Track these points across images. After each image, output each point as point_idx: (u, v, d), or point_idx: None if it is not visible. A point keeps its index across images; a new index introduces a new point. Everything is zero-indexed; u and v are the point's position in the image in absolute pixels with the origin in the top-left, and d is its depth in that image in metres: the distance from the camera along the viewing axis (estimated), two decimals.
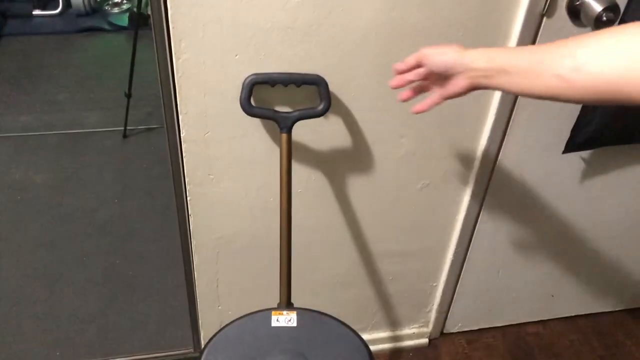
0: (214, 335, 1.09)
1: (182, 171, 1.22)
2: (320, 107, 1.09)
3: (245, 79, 1.06)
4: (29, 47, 3.22)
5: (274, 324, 1.09)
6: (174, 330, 1.73)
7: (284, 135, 1.08)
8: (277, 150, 1.21)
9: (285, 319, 1.09)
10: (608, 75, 0.61)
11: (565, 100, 0.68)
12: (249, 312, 1.54)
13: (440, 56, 0.83)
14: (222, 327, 1.11)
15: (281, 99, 1.13)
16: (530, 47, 0.74)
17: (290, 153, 1.10)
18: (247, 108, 1.07)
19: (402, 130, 1.25)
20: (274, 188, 1.28)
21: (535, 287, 1.70)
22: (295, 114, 1.09)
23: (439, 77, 0.85)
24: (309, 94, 1.13)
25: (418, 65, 0.87)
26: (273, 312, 1.11)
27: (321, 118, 1.18)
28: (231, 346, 1.07)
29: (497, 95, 1.22)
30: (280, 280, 1.16)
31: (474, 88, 0.80)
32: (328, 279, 1.51)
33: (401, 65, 0.88)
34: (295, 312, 1.11)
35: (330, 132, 1.22)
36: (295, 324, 1.09)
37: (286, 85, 1.06)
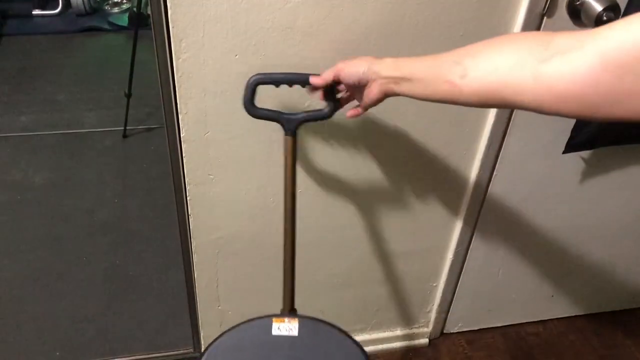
0: (212, 342, 1.07)
1: (182, 171, 1.22)
2: (327, 109, 1.03)
3: (249, 79, 1.01)
4: (28, 47, 3.22)
5: (274, 332, 1.06)
6: (174, 330, 1.73)
7: (289, 139, 1.03)
8: (277, 150, 1.21)
9: (286, 328, 1.06)
10: (489, 81, 0.66)
11: (459, 104, 0.72)
12: (249, 312, 1.54)
13: (353, 68, 0.87)
14: (220, 334, 1.09)
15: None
16: (431, 56, 0.77)
17: (295, 156, 1.05)
18: (251, 109, 1.02)
19: (402, 130, 1.24)
20: (274, 188, 1.28)
21: (535, 287, 1.70)
22: (301, 116, 1.03)
23: (359, 88, 0.90)
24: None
25: (336, 80, 0.92)
26: (274, 320, 1.07)
27: None
28: (230, 354, 1.05)
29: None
30: (284, 286, 1.12)
31: (386, 95, 0.85)
32: (328, 279, 1.51)
33: (317, 80, 0.94)
34: (297, 321, 1.07)
35: (330, 132, 1.22)
36: (296, 333, 1.06)
37: (291, 86, 1.02)
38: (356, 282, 1.54)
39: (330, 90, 1.00)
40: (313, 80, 0.95)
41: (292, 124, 1.03)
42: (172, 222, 1.39)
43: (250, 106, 1.02)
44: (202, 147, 1.18)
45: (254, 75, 1.00)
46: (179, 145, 1.17)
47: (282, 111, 1.05)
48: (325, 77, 0.93)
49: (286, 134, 1.03)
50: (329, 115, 1.03)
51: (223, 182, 1.25)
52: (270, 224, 1.35)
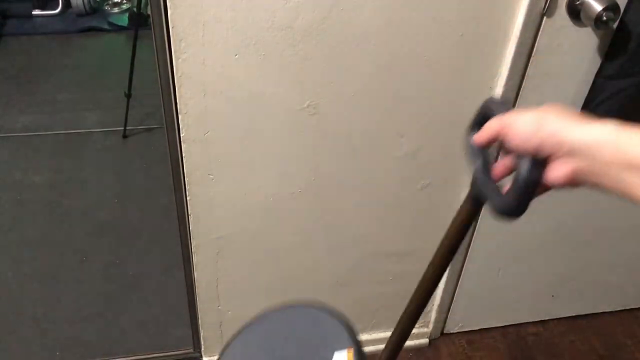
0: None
1: (182, 171, 1.22)
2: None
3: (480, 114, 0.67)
4: (28, 47, 3.22)
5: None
6: (174, 330, 1.73)
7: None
8: (277, 150, 1.21)
9: None
10: None
11: None
12: (249, 312, 1.54)
13: (522, 126, 0.54)
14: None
15: None
16: None
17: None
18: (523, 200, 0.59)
19: (402, 130, 1.24)
20: (274, 188, 1.28)
21: (535, 287, 1.70)
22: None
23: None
24: None
25: (495, 139, 0.60)
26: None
27: (321, 118, 1.18)
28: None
29: (497, 96, 1.22)
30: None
31: (577, 183, 0.55)
32: (328, 279, 1.51)
33: (481, 138, 0.63)
34: None
35: (330, 132, 1.21)
36: None
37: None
38: (356, 282, 1.54)
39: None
40: (477, 138, 0.64)
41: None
42: (172, 222, 1.39)
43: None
44: (202, 147, 1.18)
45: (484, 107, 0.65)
46: (179, 145, 1.17)
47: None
48: (489, 132, 0.61)
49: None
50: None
51: (223, 182, 1.25)
52: (270, 224, 1.35)
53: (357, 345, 0.86)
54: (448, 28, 1.10)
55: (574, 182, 0.54)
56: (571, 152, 0.51)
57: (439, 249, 0.88)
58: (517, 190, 0.56)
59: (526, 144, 0.53)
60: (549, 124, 0.52)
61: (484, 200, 0.68)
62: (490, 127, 0.60)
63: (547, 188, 0.59)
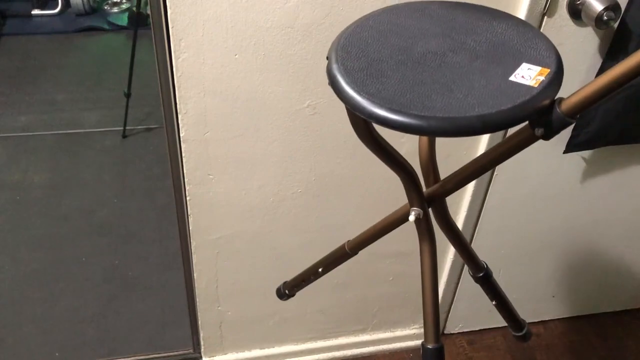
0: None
1: (182, 171, 1.22)
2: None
3: None
4: (28, 46, 3.21)
5: None
6: (173, 331, 1.72)
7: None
8: (277, 150, 1.21)
9: None
10: None
11: None
12: (249, 313, 1.54)
13: None
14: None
15: None
16: None
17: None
18: None
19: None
20: (274, 188, 1.28)
21: (536, 287, 1.70)
22: None
23: None
24: None
25: None
26: None
27: (321, 118, 1.18)
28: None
29: None
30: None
31: None
32: (328, 280, 1.51)
33: None
34: None
35: (330, 132, 1.21)
36: None
37: None
38: (356, 283, 1.53)
39: None
40: None
41: None
42: (171, 222, 1.39)
43: None
44: (202, 147, 1.17)
45: None
46: (178, 145, 1.17)
47: None
48: None
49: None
50: None
51: (223, 182, 1.24)
52: (270, 224, 1.34)
53: (559, 70, 0.68)
54: None
55: None
56: None
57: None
58: None
59: None
60: None
61: None
62: None
63: None
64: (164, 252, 1.98)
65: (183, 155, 1.18)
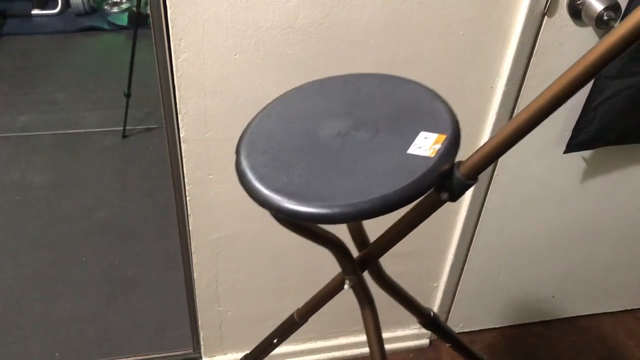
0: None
1: (182, 171, 1.21)
2: None
3: None
4: (28, 46, 3.21)
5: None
6: (173, 331, 1.72)
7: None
8: None
9: None
10: None
11: None
12: (249, 313, 1.54)
13: None
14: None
15: None
16: None
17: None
18: None
19: None
20: None
21: (536, 287, 1.70)
22: None
23: None
24: None
25: None
26: None
27: None
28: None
29: (497, 95, 1.21)
30: None
31: None
32: (328, 280, 1.51)
33: None
34: None
35: None
36: None
37: None
38: None
39: None
40: None
41: None
42: (171, 222, 1.38)
43: None
44: (201, 147, 1.17)
45: None
46: (178, 145, 1.17)
47: None
48: None
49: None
50: None
51: (223, 182, 1.24)
52: (270, 224, 1.34)
53: (455, 134, 0.70)
54: (448, 27, 1.10)
55: None
56: None
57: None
58: None
59: None
60: None
61: None
62: None
63: None
64: (164, 252, 1.98)
65: (183, 155, 1.18)
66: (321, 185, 0.66)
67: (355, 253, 0.92)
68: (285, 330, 1.12)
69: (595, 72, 0.58)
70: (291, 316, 1.08)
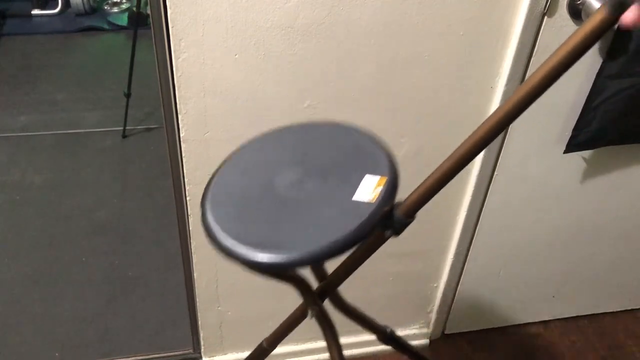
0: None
1: (182, 171, 1.21)
2: None
3: None
4: (28, 46, 3.21)
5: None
6: (173, 331, 1.72)
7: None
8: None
9: None
10: None
11: None
12: (249, 313, 1.54)
13: None
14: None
15: None
16: None
17: None
18: None
19: (402, 131, 1.24)
20: None
21: (536, 287, 1.70)
22: None
23: None
24: None
25: None
26: None
27: (320, 118, 1.17)
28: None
29: (497, 96, 1.21)
30: None
31: None
32: None
33: None
34: None
35: None
36: None
37: None
38: (356, 283, 1.53)
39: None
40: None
41: None
42: (171, 222, 1.38)
43: None
44: (201, 147, 1.17)
45: None
46: (178, 145, 1.17)
47: None
48: None
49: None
50: None
51: None
52: None
53: (393, 177, 0.80)
54: (448, 27, 1.10)
55: None
56: None
57: None
58: None
59: None
60: None
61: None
62: None
63: None
64: (163, 252, 1.98)
65: (183, 155, 1.18)
66: (280, 235, 0.75)
67: (315, 284, 0.98)
68: (255, 358, 1.18)
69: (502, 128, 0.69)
70: (260, 344, 1.15)
